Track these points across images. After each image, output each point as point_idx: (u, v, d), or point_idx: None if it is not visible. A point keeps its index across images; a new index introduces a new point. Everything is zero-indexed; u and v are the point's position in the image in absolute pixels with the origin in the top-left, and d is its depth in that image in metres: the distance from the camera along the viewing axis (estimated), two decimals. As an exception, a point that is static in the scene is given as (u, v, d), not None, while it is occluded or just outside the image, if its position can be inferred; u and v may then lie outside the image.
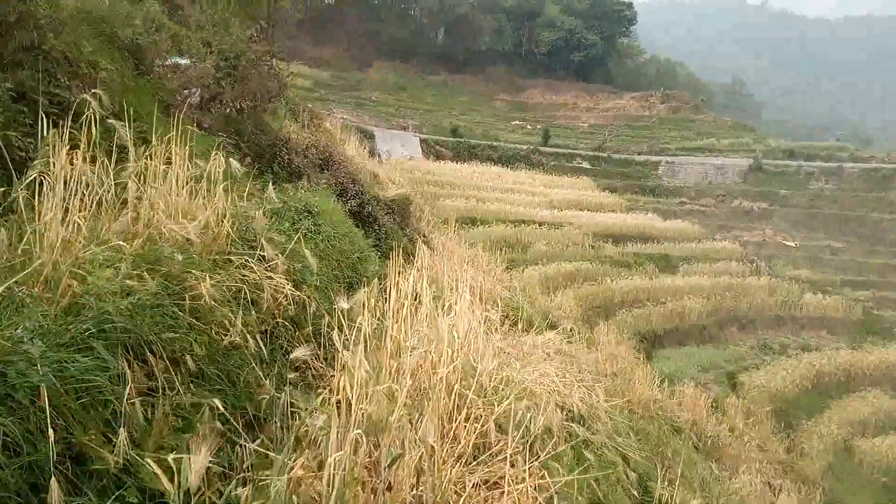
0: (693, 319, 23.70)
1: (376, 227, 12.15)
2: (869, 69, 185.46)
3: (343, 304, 3.16)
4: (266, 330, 3.63)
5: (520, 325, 9.49)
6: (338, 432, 2.29)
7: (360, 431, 2.34)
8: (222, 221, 3.63)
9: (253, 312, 3.41)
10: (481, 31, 72.04)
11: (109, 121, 3.43)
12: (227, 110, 6.93)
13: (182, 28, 8.22)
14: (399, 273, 4.54)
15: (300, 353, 3.05)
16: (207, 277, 2.99)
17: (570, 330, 12.47)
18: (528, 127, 56.07)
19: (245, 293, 3.39)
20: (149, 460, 1.98)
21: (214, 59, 7.40)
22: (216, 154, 3.89)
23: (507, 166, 40.63)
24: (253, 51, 7.59)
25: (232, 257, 3.63)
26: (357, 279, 5.53)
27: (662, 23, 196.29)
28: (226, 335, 3.01)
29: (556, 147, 47.77)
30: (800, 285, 29.50)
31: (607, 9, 73.51)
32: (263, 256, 4.01)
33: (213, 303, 2.96)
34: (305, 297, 4.21)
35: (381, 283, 4.64)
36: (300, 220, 5.06)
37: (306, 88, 46.61)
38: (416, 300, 4.25)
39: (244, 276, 3.57)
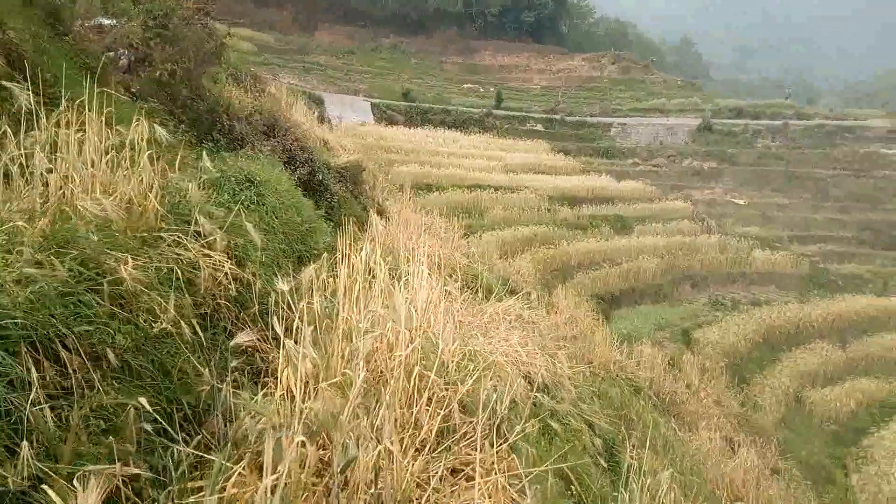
0: (648, 279, 24.05)
1: (328, 196, 11.72)
2: (821, 26, 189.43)
3: (283, 285, 2.85)
4: (205, 313, 3.30)
5: (479, 293, 9.32)
6: (278, 436, 2.01)
7: (302, 438, 2.06)
8: (149, 195, 3.23)
9: (188, 295, 3.07)
10: (431, -8, 70.55)
11: (8, 84, 2.98)
12: (158, 73, 6.38)
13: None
14: (351, 245, 4.23)
15: (242, 338, 2.74)
16: (129, 259, 2.63)
17: (530, 295, 12.40)
18: (481, 90, 55.45)
19: (178, 274, 3.04)
20: (45, 486, 1.67)
21: (142, 18, 6.80)
22: (139, 120, 3.46)
23: (461, 130, 40.11)
24: (185, 8, 7.00)
25: (163, 235, 3.26)
26: (307, 253, 5.19)
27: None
28: (155, 322, 2.67)
29: (509, 110, 47.37)
30: (749, 242, 30.20)
31: (557, -33, 72.71)
32: (199, 233, 3.65)
33: (138, 287, 2.61)
34: (250, 276, 3.88)
35: (332, 257, 4.33)
36: (241, 191, 4.67)
37: (251, 52, 44.88)
38: (370, 275, 3.96)
39: (178, 255, 3.21)
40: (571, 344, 11.58)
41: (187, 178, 3.94)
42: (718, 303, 24.59)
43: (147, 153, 3.37)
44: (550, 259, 21.75)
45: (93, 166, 3.15)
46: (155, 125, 3.47)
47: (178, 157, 3.95)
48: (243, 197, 4.65)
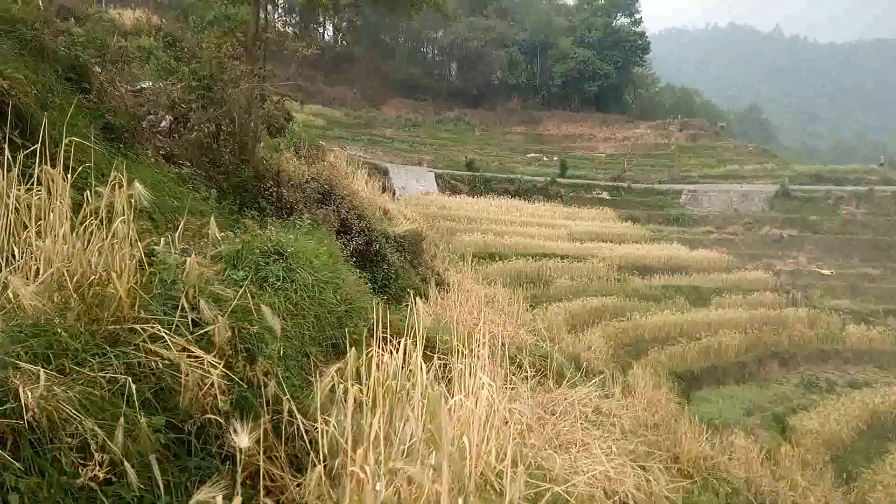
0: (730, 356, 22.11)
1: (384, 267, 11.02)
2: (885, 91, 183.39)
3: (242, 439, 1.96)
4: (185, 438, 2.43)
5: (550, 378, 8.23)
6: None
7: None
8: (119, 273, 2.45)
9: (157, 414, 2.22)
10: (494, 66, 71.88)
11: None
12: (194, 135, 5.86)
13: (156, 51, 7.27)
14: (389, 333, 3.34)
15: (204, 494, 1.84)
16: (42, 374, 1.80)
17: (604, 378, 11.13)
18: (545, 159, 55.12)
19: (140, 383, 2.20)
20: None
21: (186, 80, 6.38)
22: (115, 178, 2.72)
23: (525, 199, 39.49)
24: (231, 69, 6.55)
25: (138, 327, 2.46)
26: (345, 339, 4.33)
27: (674, 52, 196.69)
28: (84, 467, 1.81)
29: (573, 178, 46.63)
30: (840, 316, 27.77)
31: (620, 39, 73.07)
32: (197, 321, 2.85)
33: (57, 416, 1.78)
34: (261, 374, 3.03)
35: (368, 348, 3.45)
36: (266, 265, 3.90)
37: (320, 127, 46.23)
38: (409, 368, 3.05)
39: (152, 355, 2.38)
40: (653, 433, 10.20)
41: (190, 251, 3.18)
42: (812, 384, 22.27)
43: (124, 219, 2.61)
44: (622, 333, 20.27)
45: (55, 236, 2.41)
46: (137, 185, 2.73)
47: (182, 224, 3.21)
48: (269, 272, 3.87)
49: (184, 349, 2.50)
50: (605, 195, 44.21)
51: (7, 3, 4.35)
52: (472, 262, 18.35)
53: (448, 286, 13.17)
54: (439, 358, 5.84)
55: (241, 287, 3.42)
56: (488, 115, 69.42)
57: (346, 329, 4.27)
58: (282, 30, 68.44)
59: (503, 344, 8.32)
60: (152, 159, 5.23)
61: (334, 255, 6.48)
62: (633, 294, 25.11)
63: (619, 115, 71.20)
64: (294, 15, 71.52)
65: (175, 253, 3.21)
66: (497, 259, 24.33)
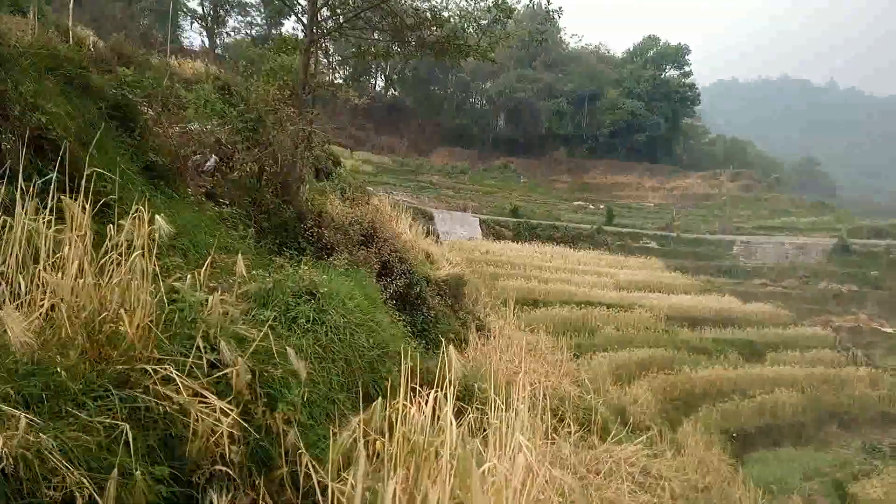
0: (787, 416, 20.88)
1: (424, 311, 10.85)
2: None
3: None
4: (195, 484, 2.26)
5: (594, 433, 7.81)
6: None
7: None
8: (128, 310, 2.33)
9: (161, 463, 2.05)
10: (541, 116, 72.40)
11: None
12: (236, 174, 5.87)
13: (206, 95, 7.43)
14: (417, 389, 3.13)
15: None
16: (22, 418, 1.66)
17: (652, 435, 10.57)
18: (591, 207, 54.68)
19: (146, 429, 2.04)
20: None
21: (234, 122, 6.45)
22: (137, 210, 2.63)
23: (570, 246, 39.01)
24: (278, 111, 6.61)
25: (150, 367, 2.32)
26: (378, 384, 4.13)
27: (726, 105, 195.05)
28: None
29: (621, 227, 45.98)
30: (905, 377, 26.09)
31: (670, 90, 72.85)
32: (217, 362, 2.71)
33: (38, 465, 1.62)
34: (282, 423, 2.85)
35: (397, 397, 3.23)
36: (297, 305, 3.76)
37: (368, 173, 47.09)
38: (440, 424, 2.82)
39: (162, 398, 2.24)
40: (704, 498, 9.58)
41: (218, 288, 3.06)
42: (875, 449, 20.75)
43: (141, 253, 2.50)
44: (671, 387, 19.41)
45: (64, 270, 2.31)
46: (159, 218, 2.63)
47: (209, 260, 3.10)
48: (299, 313, 3.73)
49: (196, 393, 2.34)
50: (652, 244, 43.37)
51: (55, 42, 4.46)
52: (515, 308, 18.01)
53: (489, 332, 12.88)
54: (476, 408, 5.58)
55: (268, 327, 3.28)
56: (534, 164, 69.66)
57: (377, 375, 4.07)
58: (334, 80, 70.88)
59: (545, 395, 7.98)
60: (194, 198, 5.23)
61: (371, 297, 6.34)
62: (682, 346, 24.14)
63: (668, 166, 70.45)
64: (347, 67, 73.96)
65: (201, 290, 3.10)
66: (541, 306, 23.86)
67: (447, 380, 2.97)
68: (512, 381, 9.08)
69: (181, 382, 2.30)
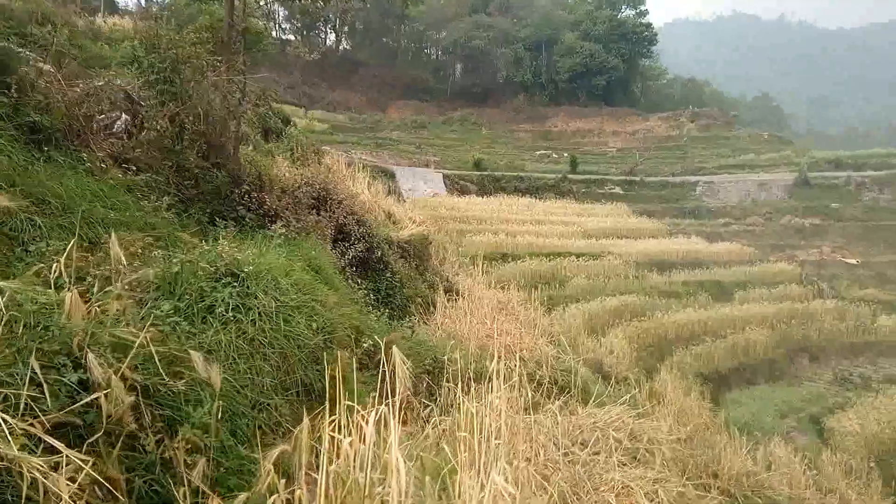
0: (759, 353, 20.99)
1: (388, 276, 10.14)
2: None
3: None
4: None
5: (575, 396, 7.29)
6: None
7: None
8: None
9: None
10: (498, 64, 70.81)
11: None
12: (151, 135, 4.98)
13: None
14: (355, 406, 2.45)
15: None
16: None
17: (632, 389, 10.17)
18: (555, 155, 54.04)
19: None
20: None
21: (145, 73, 5.52)
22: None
23: (536, 197, 38.50)
24: (199, 61, 5.67)
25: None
26: (325, 377, 3.42)
27: (681, 44, 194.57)
28: None
29: (585, 174, 45.55)
30: (871, 307, 26.52)
31: (626, 31, 71.77)
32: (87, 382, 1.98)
33: None
34: (184, 452, 2.16)
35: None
36: (214, 290, 3.00)
37: (325, 132, 45.50)
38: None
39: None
40: (687, 448, 9.24)
41: (100, 280, 2.29)
42: (846, 380, 21.07)
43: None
44: (645, 333, 19.22)
45: None
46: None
47: (72, 244, 2.30)
48: (215, 300, 2.98)
49: (37, 439, 1.61)
50: (618, 190, 43.14)
51: None
52: (484, 264, 17.40)
53: (458, 293, 12.25)
54: (447, 387, 4.94)
55: (168, 325, 2.54)
56: (495, 114, 68.41)
57: (322, 367, 3.36)
58: (270, 25, 67.88)
59: (521, 360, 7.41)
60: (94, 164, 4.37)
61: (322, 269, 5.60)
62: (652, 291, 24.05)
63: (628, 109, 69.90)
64: (294, 21, 71.09)
65: (72, 283, 2.33)
66: (510, 260, 23.38)
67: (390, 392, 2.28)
68: (485, 345, 8.52)
69: (5, 427, 1.57)
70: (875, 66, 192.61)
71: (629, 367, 14.86)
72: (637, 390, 10.85)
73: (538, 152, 55.79)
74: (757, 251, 32.29)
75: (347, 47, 78.60)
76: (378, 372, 5.92)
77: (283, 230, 5.30)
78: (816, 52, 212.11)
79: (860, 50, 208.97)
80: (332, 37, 78.41)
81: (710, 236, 34.31)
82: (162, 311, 2.56)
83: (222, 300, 2.96)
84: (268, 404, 2.87)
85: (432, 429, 3.27)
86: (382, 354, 2.58)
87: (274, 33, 62.04)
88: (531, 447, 5.11)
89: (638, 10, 75.42)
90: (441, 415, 4.91)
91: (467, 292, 12.44)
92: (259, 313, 3.10)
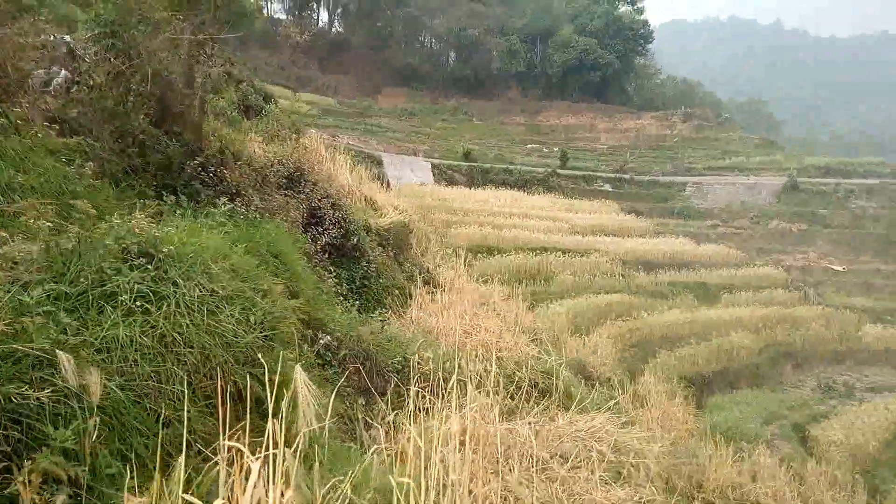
0: (743, 358, 20.73)
1: (363, 264, 9.57)
2: (890, 84, 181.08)
3: None
4: None
5: (555, 402, 6.79)
6: None
7: None
8: None
9: None
10: (493, 54, 69.98)
11: None
12: (85, 91, 4.37)
13: None
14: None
15: None
16: None
17: (615, 393, 9.72)
18: (545, 150, 53.52)
19: None
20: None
21: (89, 26, 4.89)
22: None
23: (524, 190, 37.98)
24: (147, 10, 5.04)
25: None
26: (260, 381, 2.86)
27: (675, 44, 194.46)
28: None
29: (575, 169, 45.09)
30: (856, 314, 26.38)
31: (622, 27, 71.29)
32: None
33: None
34: (35, 489, 1.59)
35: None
36: (118, 273, 2.42)
37: (313, 115, 44.60)
38: None
39: None
40: (671, 458, 8.79)
41: None
42: (830, 388, 20.85)
43: None
44: (629, 333, 18.85)
45: None
46: None
47: None
48: (117, 286, 2.40)
49: None
50: (607, 187, 42.75)
51: None
52: (468, 257, 16.87)
53: (439, 285, 11.71)
54: (415, 391, 4.40)
55: (39, 314, 1.96)
56: (487, 105, 67.73)
57: (256, 368, 2.78)
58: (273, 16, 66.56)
59: (499, 359, 6.89)
60: (21, 123, 3.76)
61: (282, 254, 5.02)
62: (638, 291, 23.69)
63: (620, 106, 69.57)
64: (286, 0, 69.83)
65: None
66: (495, 253, 22.81)
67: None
68: (462, 343, 8.00)
69: None
70: (865, 75, 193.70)
71: (613, 367, 14.41)
72: (621, 394, 10.42)
73: (529, 146, 55.26)
74: (744, 254, 32.07)
75: (340, 30, 77.30)
76: (341, 370, 5.37)
77: (228, 206, 4.69)
78: (808, 60, 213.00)
79: (854, 60, 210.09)
80: (325, 17, 77.17)
81: (698, 237, 34.03)
82: (31, 298, 1.99)
83: (127, 286, 2.39)
84: (179, 418, 2.30)
85: (375, 455, 2.73)
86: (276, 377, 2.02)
87: (265, 12, 60.83)
88: (505, 462, 4.63)
89: (635, 7, 74.97)
90: (408, 421, 4.39)
91: (449, 285, 11.90)
92: (176, 303, 2.53)
